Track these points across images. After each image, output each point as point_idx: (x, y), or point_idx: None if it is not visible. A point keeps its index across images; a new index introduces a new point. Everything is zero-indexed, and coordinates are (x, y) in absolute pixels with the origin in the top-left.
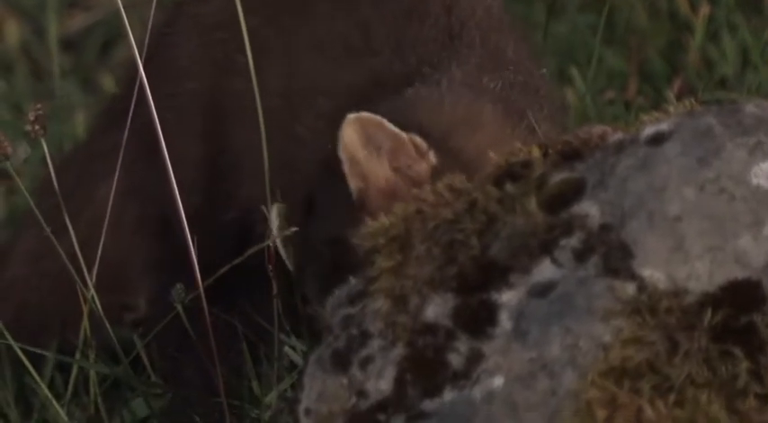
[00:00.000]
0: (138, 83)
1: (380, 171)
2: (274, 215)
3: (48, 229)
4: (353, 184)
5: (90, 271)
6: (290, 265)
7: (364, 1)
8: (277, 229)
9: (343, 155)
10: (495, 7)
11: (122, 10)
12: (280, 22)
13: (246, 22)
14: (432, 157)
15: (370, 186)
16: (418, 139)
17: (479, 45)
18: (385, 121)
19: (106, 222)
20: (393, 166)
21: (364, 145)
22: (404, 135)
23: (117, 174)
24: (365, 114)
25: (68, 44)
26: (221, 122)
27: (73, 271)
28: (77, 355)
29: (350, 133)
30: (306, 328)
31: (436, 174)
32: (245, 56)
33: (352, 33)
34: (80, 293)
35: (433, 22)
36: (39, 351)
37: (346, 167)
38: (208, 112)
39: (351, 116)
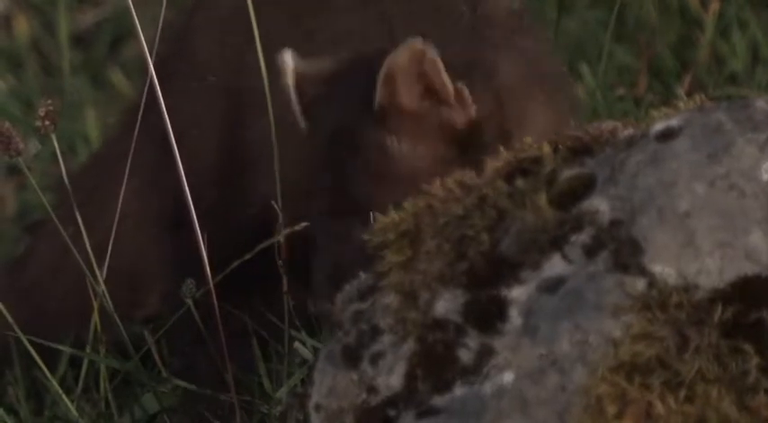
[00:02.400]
0: (150, 79)
1: (409, 96)
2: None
3: (63, 229)
4: (380, 97)
5: (103, 267)
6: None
7: None
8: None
9: (384, 69)
10: (518, 6)
11: (132, 6)
12: (299, 15)
13: (266, 15)
14: (473, 111)
15: (395, 103)
16: (466, 91)
17: (501, 45)
18: (441, 65)
19: (116, 221)
20: (425, 101)
21: (410, 69)
22: (450, 84)
23: (127, 170)
24: (428, 48)
25: (78, 40)
26: (240, 117)
27: (84, 266)
28: (87, 351)
29: (404, 54)
30: (316, 323)
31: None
32: (262, 49)
33: (373, 28)
34: (90, 288)
35: (456, 19)
36: (48, 343)
37: (380, 79)
38: (227, 106)
39: (414, 41)
